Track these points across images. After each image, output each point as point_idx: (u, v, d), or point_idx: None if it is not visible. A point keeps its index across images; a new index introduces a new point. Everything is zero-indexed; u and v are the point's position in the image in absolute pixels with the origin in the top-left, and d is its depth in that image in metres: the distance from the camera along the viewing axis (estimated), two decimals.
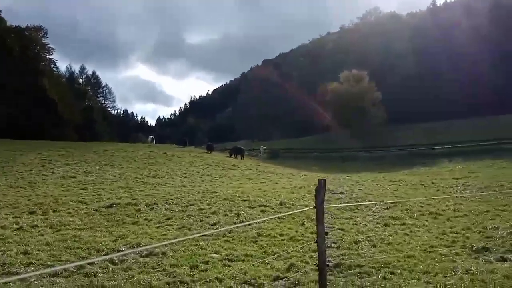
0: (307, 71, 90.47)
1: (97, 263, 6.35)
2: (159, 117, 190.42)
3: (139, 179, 18.38)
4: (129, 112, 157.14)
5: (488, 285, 5.26)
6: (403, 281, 5.51)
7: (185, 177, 20.22)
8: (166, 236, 8.43)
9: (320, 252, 4.57)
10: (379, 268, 6.16)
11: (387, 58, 72.37)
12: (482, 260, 6.76)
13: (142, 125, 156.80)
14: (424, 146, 38.21)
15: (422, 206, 11.81)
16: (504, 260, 6.74)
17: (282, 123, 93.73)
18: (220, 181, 19.40)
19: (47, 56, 62.81)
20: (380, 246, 7.46)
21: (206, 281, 5.61)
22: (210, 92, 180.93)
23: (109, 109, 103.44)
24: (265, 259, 6.82)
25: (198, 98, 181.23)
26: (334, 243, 7.73)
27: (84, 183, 16.66)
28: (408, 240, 7.96)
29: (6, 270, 5.74)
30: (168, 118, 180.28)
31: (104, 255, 6.80)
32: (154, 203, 12.11)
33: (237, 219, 10.22)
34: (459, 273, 5.87)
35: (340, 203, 12.64)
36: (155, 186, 16.46)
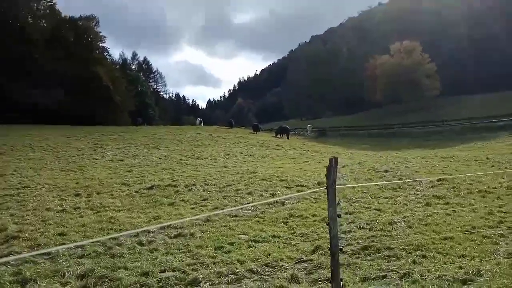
0: (356, 45, 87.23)
1: (126, 244, 6.52)
2: (209, 99, 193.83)
3: (183, 161, 18.77)
4: (181, 96, 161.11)
5: None
6: (434, 265, 5.12)
7: (228, 158, 20.38)
8: (199, 217, 8.47)
9: (331, 236, 4.32)
10: (411, 251, 5.78)
11: (439, 26, 67.76)
12: None
13: (194, 108, 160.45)
14: (481, 119, 35.69)
15: (471, 184, 11.03)
16: None
17: (332, 100, 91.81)
18: (262, 161, 19.37)
19: (100, 44, 65.42)
20: (416, 227, 7.01)
21: (227, 263, 5.56)
22: (258, 72, 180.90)
23: (161, 93, 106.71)
24: (292, 241, 6.66)
25: (246, 78, 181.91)
26: (367, 224, 7.39)
27: (130, 165, 17.28)
28: (449, 220, 7.43)
29: (39, 250, 6.01)
30: (217, 100, 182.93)
31: (134, 236, 6.95)
32: (193, 184, 12.28)
33: (271, 200, 10.08)
34: (499, 257, 5.38)
35: (382, 181, 12.12)
36: (197, 168, 16.73)
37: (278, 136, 37.92)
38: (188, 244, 6.48)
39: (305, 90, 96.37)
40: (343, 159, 19.85)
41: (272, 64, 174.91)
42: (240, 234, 7.20)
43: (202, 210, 9.31)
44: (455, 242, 6.13)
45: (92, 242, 6.24)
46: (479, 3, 65.19)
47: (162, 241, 6.71)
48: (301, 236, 6.95)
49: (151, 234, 7.12)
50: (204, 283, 4.89)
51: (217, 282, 4.92)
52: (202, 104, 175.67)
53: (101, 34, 63.42)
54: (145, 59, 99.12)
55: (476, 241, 6.17)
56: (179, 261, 5.64)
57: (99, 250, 6.14)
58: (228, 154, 21.69)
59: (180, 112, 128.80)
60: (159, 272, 5.22)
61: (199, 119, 52.64)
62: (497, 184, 10.90)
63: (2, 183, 12.79)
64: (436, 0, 72.40)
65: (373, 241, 6.32)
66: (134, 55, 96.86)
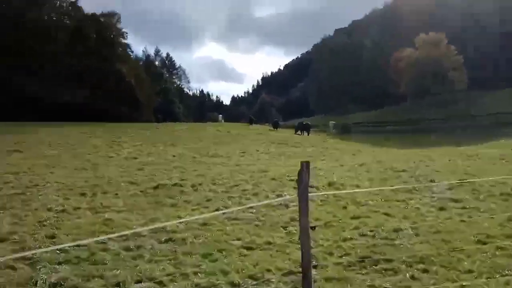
0: (381, 37, 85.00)
1: (112, 249, 6.25)
2: (233, 95, 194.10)
3: (197, 159, 18.56)
4: (205, 92, 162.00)
5: None
6: (434, 283, 4.58)
7: (243, 156, 20.04)
8: (197, 219, 8.13)
9: (303, 251, 3.86)
10: (412, 264, 5.25)
11: (468, 19, 64.95)
12: None
13: (218, 104, 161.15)
14: (510, 114, 33.94)
15: (493, 186, 10.25)
16: None
17: (357, 95, 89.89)
18: (277, 160, 18.93)
19: (122, 41, 66.00)
20: (424, 236, 6.44)
21: (209, 274, 5.18)
22: (281, 68, 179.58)
23: (185, 90, 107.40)
24: (287, 248, 6.23)
25: (270, 74, 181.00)
26: (371, 230, 6.86)
27: (143, 163, 17.17)
28: (463, 228, 6.81)
29: (20, 253, 5.81)
30: (241, 96, 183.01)
31: (124, 240, 6.68)
32: (200, 184, 11.98)
33: (274, 201, 9.64)
34: (511, 273, 4.78)
35: (397, 183, 11.48)
36: (209, 166, 16.45)
37: (299, 133, 37.34)
38: (175, 251, 6.14)
39: (329, 85, 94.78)
40: (362, 158, 19.15)
41: (296, 58, 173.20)
42: (234, 240, 6.82)
43: (203, 212, 8.97)
44: (464, 254, 5.54)
45: (76, 246, 5.98)
46: None
47: (150, 246, 6.41)
48: (297, 244, 6.48)
49: (142, 239, 6.83)
50: None
51: None
52: (227, 101, 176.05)
53: (123, 30, 64.04)
54: (168, 55, 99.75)
55: (488, 254, 5.56)
56: (160, 270, 5.31)
57: (82, 255, 5.89)
58: (244, 152, 21.34)
59: (205, 108, 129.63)
60: (134, 283, 4.90)
61: (220, 115, 52.60)
62: None
63: (14, 182, 12.83)
64: None
65: (372, 251, 5.81)
66: (157, 52, 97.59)
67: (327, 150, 23.76)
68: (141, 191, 11.41)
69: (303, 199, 3.87)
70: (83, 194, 11.14)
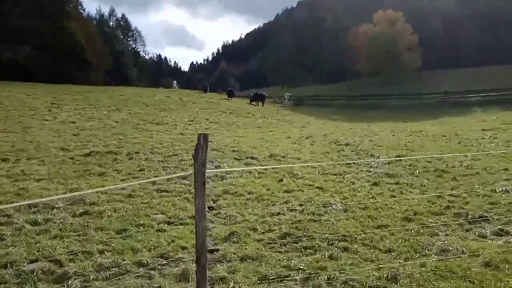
0: (342, 13, 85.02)
1: (17, 222, 5.63)
2: (192, 62, 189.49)
3: (140, 126, 17.73)
4: (162, 57, 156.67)
5: (454, 279, 4.06)
6: (351, 263, 4.40)
7: (190, 124, 19.39)
8: (122, 191, 7.58)
9: (197, 234, 3.49)
10: (334, 241, 5.06)
11: None
12: (474, 234, 5.52)
13: (175, 70, 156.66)
14: (459, 94, 35.13)
15: (430, 162, 10.37)
16: (501, 234, 5.47)
17: (314, 69, 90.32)
18: (226, 130, 18.46)
19: None
20: (352, 211, 6.31)
21: (117, 252, 4.73)
22: (243, 36, 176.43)
23: (141, 53, 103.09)
24: (211, 224, 5.88)
25: (230, 42, 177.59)
26: (300, 205, 6.65)
27: (80, 128, 16.18)
28: (392, 204, 6.75)
29: None
30: (201, 63, 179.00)
31: (33, 213, 6.07)
32: (136, 152, 11.35)
33: (213, 173, 9.25)
34: (430, 253, 4.70)
35: (338, 157, 11.42)
36: (151, 134, 15.74)
37: (254, 103, 36.83)
38: (87, 225, 5.62)
39: (288, 57, 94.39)
40: (310, 130, 19.10)
41: (258, 28, 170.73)
42: (157, 214, 6.38)
43: (131, 183, 8.43)
44: (388, 232, 5.44)
45: None
46: None
47: (61, 220, 5.83)
48: (223, 218, 6.17)
49: (54, 211, 6.24)
50: (74, 279, 4.06)
51: (91, 278, 4.10)
52: (185, 67, 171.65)
53: None
54: (123, 16, 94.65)
55: (412, 232, 5.48)
56: (63, 248, 4.79)
57: None
58: (192, 121, 20.68)
59: (161, 74, 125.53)
60: (28, 263, 4.36)
61: (174, 81, 50.93)
62: (458, 163, 10.26)
63: None
64: None
65: (297, 227, 5.58)
66: (112, 11, 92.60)
67: (277, 122, 23.56)
68: (70, 158, 10.65)
69: (199, 179, 3.46)
70: (4, 160, 10.26)
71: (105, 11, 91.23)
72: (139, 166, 9.87)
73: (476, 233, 5.51)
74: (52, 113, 19.43)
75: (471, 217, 6.10)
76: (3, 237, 5.13)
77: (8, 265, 4.25)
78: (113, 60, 71.00)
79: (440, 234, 5.44)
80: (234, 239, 5.22)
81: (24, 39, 46.32)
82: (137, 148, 12.06)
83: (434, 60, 53.76)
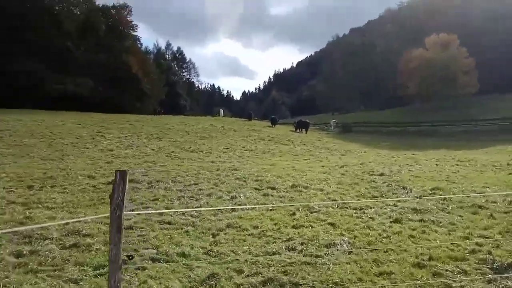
0: (394, 38, 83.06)
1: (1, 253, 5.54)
2: (244, 91, 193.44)
3: (174, 154, 17.84)
4: (216, 86, 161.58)
5: None
6: None
7: (225, 152, 19.25)
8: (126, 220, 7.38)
9: None
10: None
11: (486, 21, 62.63)
12: (497, 287, 4.63)
13: (228, 99, 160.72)
14: None
15: (468, 196, 9.29)
16: None
17: (367, 95, 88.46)
18: (258, 158, 18.09)
19: (132, 33, 65.95)
20: (357, 254, 5.59)
21: None
22: (294, 65, 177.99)
23: (196, 83, 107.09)
24: (196, 262, 5.44)
25: (282, 71, 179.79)
26: (302, 244, 6.03)
27: (115, 156, 16.54)
28: (407, 245, 5.94)
29: None
30: (252, 92, 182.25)
31: (25, 243, 5.98)
32: (158, 181, 11.27)
33: (223, 205, 8.87)
34: None
35: (367, 188, 10.59)
36: (182, 161, 15.73)
37: (298, 130, 36.37)
38: (68, 260, 5.39)
39: (339, 83, 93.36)
40: (348, 158, 18.25)
41: (309, 56, 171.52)
42: (148, 249, 6.06)
43: (139, 214, 8.23)
44: (391, 281, 4.69)
45: None
46: None
47: (47, 252, 5.67)
48: (213, 257, 5.70)
49: (46, 242, 6.11)
50: None
51: None
52: (237, 96, 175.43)
53: (133, 23, 64.04)
54: (178, 48, 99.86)
55: (420, 281, 4.70)
56: (29, 285, 4.57)
57: None
58: (228, 148, 20.56)
59: (214, 103, 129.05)
60: None
61: (221, 110, 51.85)
62: (500, 197, 9.09)
63: None
64: None
65: (286, 271, 4.98)
66: (168, 45, 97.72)
67: (316, 149, 22.83)
68: (92, 186, 10.74)
69: (114, 223, 3.06)
70: (30, 187, 10.52)
71: (163, 45, 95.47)
72: (155, 196, 9.71)
73: (500, 286, 4.61)
74: (95, 141, 20.17)
75: (498, 265, 5.17)
76: None
77: None
78: (168, 90, 74.18)
79: (453, 285, 4.60)
80: (212, 282, 4.74)
81: (87, 72, 49.70)
82: (161, 176, 11.99)
83: (492, 84, 50.37)
